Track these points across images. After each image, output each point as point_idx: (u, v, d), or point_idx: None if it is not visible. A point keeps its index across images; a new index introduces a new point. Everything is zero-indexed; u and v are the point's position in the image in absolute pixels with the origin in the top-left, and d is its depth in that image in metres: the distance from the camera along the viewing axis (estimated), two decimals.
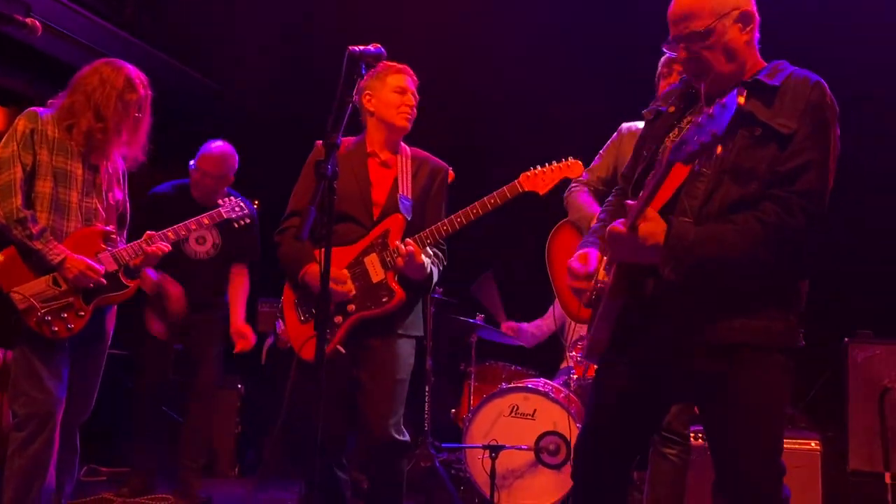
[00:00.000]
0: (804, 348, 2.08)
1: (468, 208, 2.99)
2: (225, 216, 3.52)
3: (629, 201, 2.02)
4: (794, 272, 2.06)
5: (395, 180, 3.08)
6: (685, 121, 2.18)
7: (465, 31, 5.36)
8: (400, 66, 3.11)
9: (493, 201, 3.00)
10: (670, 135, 2.17)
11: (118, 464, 4.78)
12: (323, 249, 2.19)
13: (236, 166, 4.30)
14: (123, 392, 4.68)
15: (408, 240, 2.95)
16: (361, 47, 2.33)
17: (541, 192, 3.07)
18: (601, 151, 3.42)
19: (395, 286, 2.97)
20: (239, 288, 4.30)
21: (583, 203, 3.35)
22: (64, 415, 2.92)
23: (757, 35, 2.14)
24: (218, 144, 4.30)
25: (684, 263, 1.93)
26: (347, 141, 3.14)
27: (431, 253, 3.05)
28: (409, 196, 3.07)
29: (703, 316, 2.02)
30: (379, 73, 3.08)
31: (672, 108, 2.24)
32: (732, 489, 2.06)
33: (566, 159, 3.08)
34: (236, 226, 3.58)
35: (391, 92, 3.06)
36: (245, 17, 5.69)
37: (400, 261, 2.92)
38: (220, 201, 3.60)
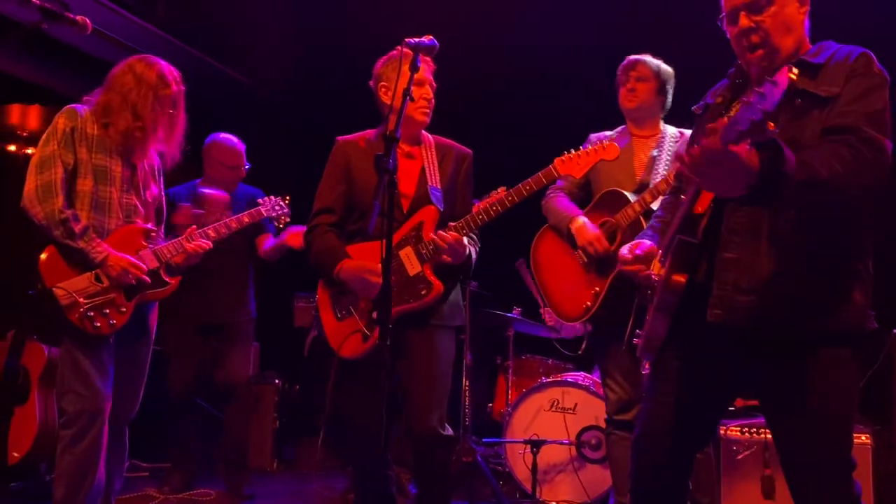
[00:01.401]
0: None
1: (503, 195, 2.92)
2: (265, 214, 3.53)
3: (710, 125, 1.84)
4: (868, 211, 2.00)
5: (422, 171, 3.04)
6: (733, 108, 2.14)
7: (504, 22, 5.31)
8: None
9: (528, 187, 2.93)
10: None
11: (159, 459, 4.81)
12: (384, 242, 2.16)
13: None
14: (159, 387, 4.72)
15: (447, 229, 2.91)
16: (416, 39, 2.34)
17: (577, 176, 3.01)
18: None
19: (432, 278, 2.93)
20: (269, 243, 4.27)
21: (562, 207, 3.43)
22: (111, 411, 2.93)
23: (807, 20, 2.14)
24: (227, 135, 4.30)
25: (782, 184, 1.79)
26: (368, 134, 3.11)
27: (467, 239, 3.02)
28: (439, 186, 3.03)
29: (769, 306, 1.96)
30: (394, 61, 2.99)
31: (720, 99, 2.21)
32: (804, 486, 2.01)
33: (602, 142, 3.01)
34: (277, 225, 3.59)
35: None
36: (276, 11, 5.68)
37: (446, 257, 2.90)
38: (259, 200, 3.62)
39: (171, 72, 3.09)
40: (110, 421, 2.93)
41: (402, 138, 3.04)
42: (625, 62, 3.46)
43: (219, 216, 3.70)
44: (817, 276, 1.97)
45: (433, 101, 3.05)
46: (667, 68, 3.46)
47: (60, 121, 2.95)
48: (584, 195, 3.52)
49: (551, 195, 3.52)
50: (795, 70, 1.67)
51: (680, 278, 2.02)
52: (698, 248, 2.04)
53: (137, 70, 3.02)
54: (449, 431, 2.96)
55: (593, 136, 3.49)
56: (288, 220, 3.66)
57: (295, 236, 4.01)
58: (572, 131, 3.50)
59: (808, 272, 1.97)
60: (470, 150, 3.19)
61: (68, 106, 2.99)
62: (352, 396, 2.94)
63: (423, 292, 2.94)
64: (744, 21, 2.08)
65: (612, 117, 3.59)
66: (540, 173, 2.97)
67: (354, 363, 2.91)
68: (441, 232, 2.90)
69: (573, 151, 3.01)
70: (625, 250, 2.21)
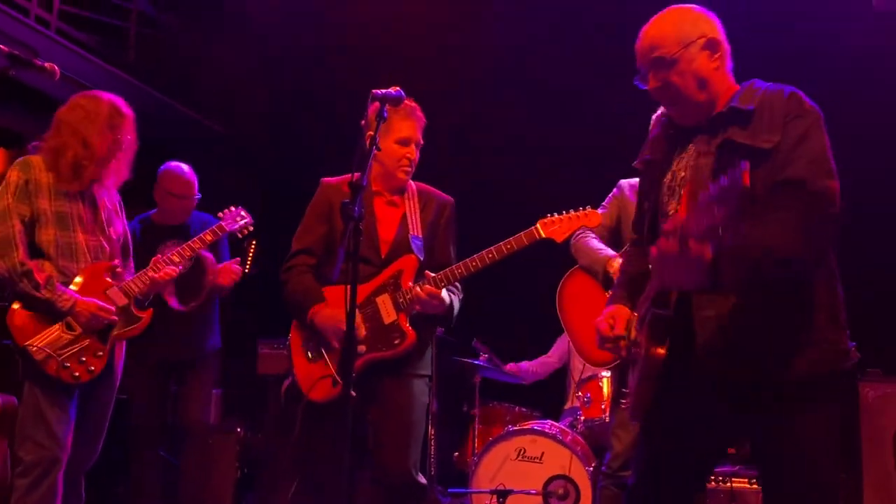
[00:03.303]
0: None
1: (484, 252, 2.96)
2: (228, 230, 3.48)
3: (666, 226, 1.92)
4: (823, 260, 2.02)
5: (403, 217, 3.06)
6: (674, 163, 2.17)
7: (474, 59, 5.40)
8: (406, 109, 3.02)
9: (509, 247, 2.96)
10: (665, 179, 2.17)
11: None
12: (350, 288, 2.16)
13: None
14: (118, 434, 4.60)
15: (423, 283, 2.92)
16: (383, 91, 2.40)
17: (558, 240, 3.06)
18: (604, 203, 3.51)
19: (406, 328, 2.93)
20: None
21: (594, 247, 3.39)
22: (69, 460, 2.86)
23: (729, 62, 2.14)
24: (178, 164, 4.22)
25: (741, 268, 1.86)
26: (349, 178, 3.12)
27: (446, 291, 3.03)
28: (420, 235, 3.05)
29: (749, 358, 1.99)
30: (384, 116, 3.06)
31: (659, 155, 2.24)
32: None
33: (584, 209, 3.09)
34: (240, 235, 3.53)
35: (393, 142, 3.01)
36: (245, 57, 5.73)
37: (417, 307, 2.90)
38: (220, 214, 3.55)
39: (118, 99, 3.10)
40: (67, 469, 2.86)
41: (384, 189, 3.08)
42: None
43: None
44: (790, 320, 1.98)
45: (416, 160, 3.06)
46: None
47: (13, 174, 2.93)
48: (613, 239, 3.48)
49: (581, 236, 3.44)
50: (747, 168, 1.66)
51: (660, 350, 2.03)
52: (672, 319, 2.04)
53: (86, 105, 3.03)
54: (423, 480, 2.93)
55: (624, 183, 3.49)
56: (251, 228, 3.58)
57: (224, 273, 3.95)
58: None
59: (779, 318, 1.98)
60: (451, 199, 3.21)
61: (20, 158, 2.98)
62: (319, 441, 2.89)
63: (396, 341, 2.93)
64: (652, 82, 2.10)
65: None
66: (522, 234, 3.00)
67: (325, 408, 2.88)
68: (420, 286, 2.91)
69: (556, 215, 3.06)
70: (604, 327, 2.19)
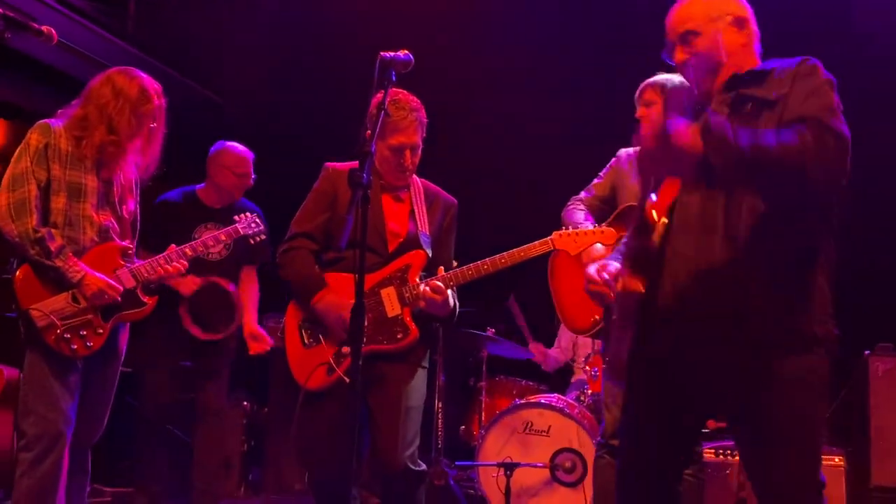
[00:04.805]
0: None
1: (496, 257, 2.96)
2: (242, 232, 3.50)
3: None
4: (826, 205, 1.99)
5: (412, 213, 3.03)
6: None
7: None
8: (404, 121, 2.90)
9: (521, 254, 2.98)
10: None
11: (122, 483, 4.66)
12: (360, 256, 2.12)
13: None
14: (127, 410, 4.59)
15: (434, 282, 2.89)
16: (392, 53, 2.35)
17: (571, 253, 3.07)
18: (601, 173, 3.50)
19: (410, 323, 2.90)
20: (249, 290, 4.19)
21: (576, 220, 3.40)
22: (74, 435, 2.84)
23: (757, 44, 2.20)
24: (235, 143, 4.22)
25: (730, 154, 1.82)
26: (355, 164, 3.06)
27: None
28: (428, 232, 3.02)
29: (728, 317, 1.95)
30: (382, 121, 2.84)
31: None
32: (776, 499, 1.99)
33: (600, 225, 3.13)
34: (252, 242, 3.55)
35: (387, 149, 2.94)
36: (246, 28, 5.64)
37: (422, 303, 2.87)
38: (236, 217, 3.58)
39: (153, 85, 3.04)
40: (73, 444, 2.84)
41: (388, 185, 3.03)
42: (637, 91, 3.43)
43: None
44: (772, 274, 1.94)
45: (413, 162, 2.98)
46: (674, 81, 3.43)
47: (33, 137, 2.88)
48: (608, 209, 3.47)
49: (570, 206, 3.46)
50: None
51: (636, 284, 1.99)
52: (654, 253, 2.01)
53: (117, 83, 2.96)
54: (421, 466, 2.91)
55: (622, 152, 3.48)
56: (264, 237, 3.62)
57: (257, 343, 4.04)
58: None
59: (762, 269, 1.93)
60: (455, 200, 3.19)
61: (41, 121, 2.93)
62: (316, 428, 2.87)
63: (398, 336, 2.90)
64: (679, 55, 2.17)
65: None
66: (537, 242, 3.02)
67: (320, 394, 2.86)
68: (432, 283, 2.87)
69: (572, 229, 3.07)
70: (592, 269, 2.18)
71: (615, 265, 2.18)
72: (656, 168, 1.97)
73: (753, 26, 2.20)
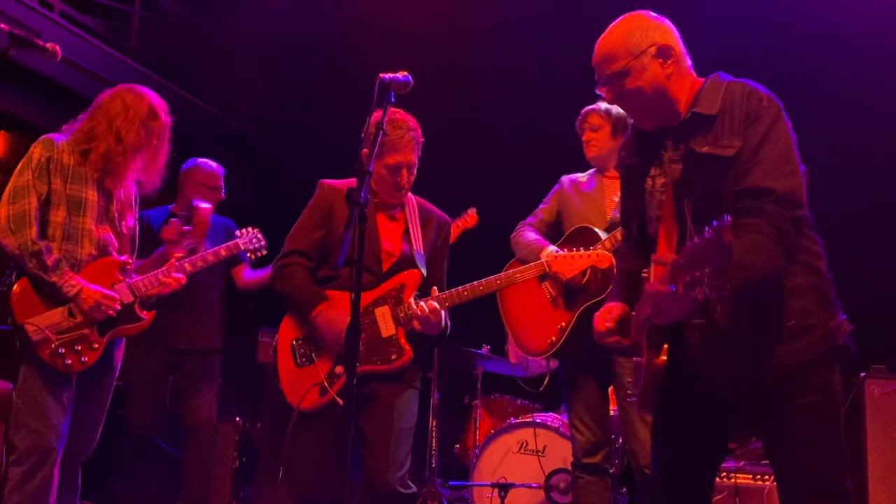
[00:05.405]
0: None
1: (492, 279, 3.03)
2: (243, 248, 3.51)
3: (655, 256, 2.04)
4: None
5: (406, 232, 3.03)
6: (652, 168, 2.19)
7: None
8: (401, 140, 2.92)
9: (518, 276, 3.08)
10: (646, 185, 2.20)
11: (111, 500, 4.63)
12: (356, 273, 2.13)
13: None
14: (116, 424, 4.57)
15: (429, 301, 2.89)
16: (391, 75, 2.39)
17: (567, 275, 3.15)
18: (546, 199, 3.62)
19: (405, 344, 2.90)
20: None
21: (530, 239, 3.48)
22: (66, 450, 2.82)
23: (686, 61, 2.14)
24: (206, 160, 4.27)
25: (729, 302, 1.93)
26: (352, 182, 3.06)
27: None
28: (423, 251, 3.02)
29: (745, 352, 2.04)
30: (380, 140, 2.83)
31: (636, 160, 2.26)
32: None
33: (595, 248, 3.17)
34: (252, 257, 3.56)
35: (384, 168, 2.94)
36: (248, 45, 5.68)
37: (416, 324, 2.87)
38: (237, 233, 3.60)
39: (160, 103, 3.10)
40: (63, 460, 2.83)
41: (383, 204, 3.04)
42: (579, 116, 3.53)
43: (203, 230, 3.64)
44: (765, 327, 2.02)
45: (408, 182, 2.99)
46: (618, 109, 3.49)
47: (36, 151, 2.91)
48: (554, 235, 3.54)
49: (520, 230, 3.55)
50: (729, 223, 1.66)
51: (661, 359, 2.05)
52: (669, 327, 2.05)
53: (127, 98, 3.01)
54: (411, 489, 2.90)
55: (565, 178, 3.60)
56: (265, 252, 3.63)
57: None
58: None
59: (756, 330, 2.02)
60: (449, 219, 3.22)
61: (45, 136, 2.96)
62: (308, 449, 2.86)
63: (393, 356, 2.89)
64: (608, 95, 2.15)
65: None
66: (532, 264, 3.16)
67: (312, 415, 2.85)
68: (429, 304, 2.88)
69: (567, 252, 3.13)
70: (598, 322, 2.21)
71: (616, 309, 2.21)
72: (664, 310, 1.98)
73: (679, 46, 2.13)
